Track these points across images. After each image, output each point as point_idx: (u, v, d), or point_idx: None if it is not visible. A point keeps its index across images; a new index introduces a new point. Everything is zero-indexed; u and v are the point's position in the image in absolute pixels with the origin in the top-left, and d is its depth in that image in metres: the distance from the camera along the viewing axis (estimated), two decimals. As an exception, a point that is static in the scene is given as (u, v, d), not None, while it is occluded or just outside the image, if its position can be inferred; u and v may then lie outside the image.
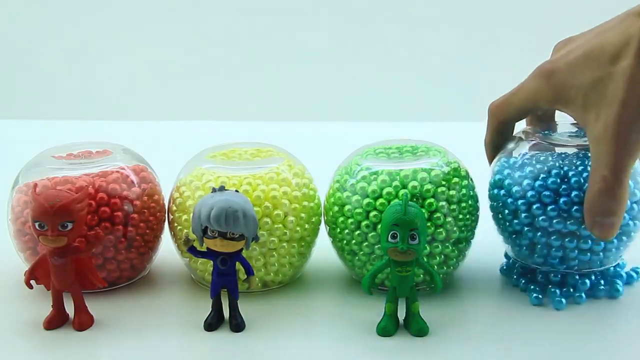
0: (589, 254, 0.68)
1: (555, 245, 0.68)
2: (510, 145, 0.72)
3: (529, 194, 0.68)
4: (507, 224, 0.70)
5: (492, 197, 0.72)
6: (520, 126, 0.73)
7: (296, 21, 1.73)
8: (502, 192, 0.70)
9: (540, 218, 0.67)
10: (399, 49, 1.71)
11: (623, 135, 0.61)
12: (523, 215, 0.68)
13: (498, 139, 0.73)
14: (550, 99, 0.66)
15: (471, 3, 1.71)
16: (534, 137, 0.71)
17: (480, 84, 1.66)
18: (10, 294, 0.72)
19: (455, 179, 0.70)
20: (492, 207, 0.72)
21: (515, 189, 0.69)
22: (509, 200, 0.69)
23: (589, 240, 0.67)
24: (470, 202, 0.71)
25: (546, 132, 0.71)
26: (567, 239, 0.67)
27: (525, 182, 0.68)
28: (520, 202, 0.68)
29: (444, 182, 0.69)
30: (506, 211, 0.70)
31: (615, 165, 0.62)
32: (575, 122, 0.69)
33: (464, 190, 0.70)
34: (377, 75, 1.70)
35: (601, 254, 0.68)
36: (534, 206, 0.67)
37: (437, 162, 0.71)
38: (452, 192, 0.69)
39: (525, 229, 0.69)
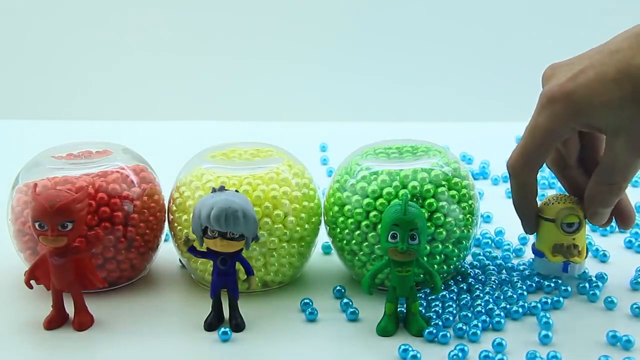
0: None
1: None
2: None
3: None
4: None
5: None
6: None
7: (296, 21, 1.72)
8: None
9: None
10: (399, 49, 1.71)
11: None
12: None
13: (528, 196, 0.70)
14: (572, 118, 0.65)
15: (471, 4, 1.71)
16: None
17: (481, 84, 1.66)
18: (10, 294, 0.72)
19: (456, 179, 0.70)
20: None
21: None
22: None
23: None
24: (470, 201, 0.71)
25: None
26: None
27: None
28: None
29: (444, 182, 0.69)
30: None
31: (630, 175, 0.66)
32: None
33: (464, 190, 0.70)
34: (377, 75, 1.69)
35: None
36: None
37: (437, 162, 0.71)
38: (452, 192, 0.69)
39: None
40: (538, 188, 0.70)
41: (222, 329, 0.65)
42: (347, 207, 0.70)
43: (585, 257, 0.72)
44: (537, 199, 0.71)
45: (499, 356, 0.61)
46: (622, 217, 0.71)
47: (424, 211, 0.67)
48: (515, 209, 0.71)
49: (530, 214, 0.71)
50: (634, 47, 0.63)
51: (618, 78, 0.63)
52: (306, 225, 0.71)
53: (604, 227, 0.77)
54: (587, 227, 0.73)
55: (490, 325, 0.66)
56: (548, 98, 0.66)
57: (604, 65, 0.64)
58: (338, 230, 0.71)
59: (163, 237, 0.75)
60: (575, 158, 0.72)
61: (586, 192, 0.69)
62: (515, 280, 0.72)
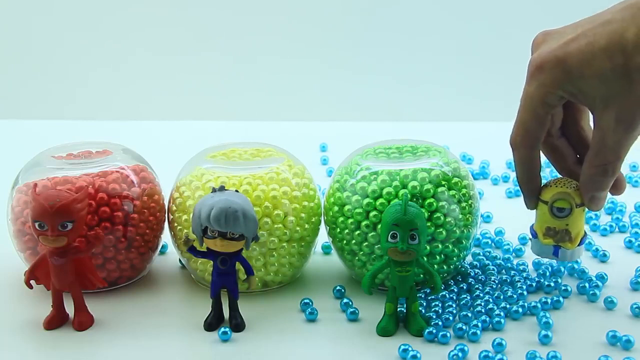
0: None
1: None
2: None
3: None
4: None
5: None
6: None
7: (296, 21, 1.73)
8: None
9: None
10: (399, 49, 1.71)
11: (636, 126, 0.63)
12: None
13: (530, 170, 0.68)
14: (561, 86, 0.63)
15: (471, 4, 1.71)
16: None
17: (481, 84, 1.66)
18: (10, 294, 0.72)
19: (456, 179, 0.70)
20: None
21: None
22: None
23: None
24: (470, 201, 0.71)
25: None
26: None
27: None
28: None
29: (444, 182, 0.69)
30: None
31: (622, 152, 0.64)
32: None
33: (464, 190, 0.70)
34: (377, 75, 1.69)
35: None
36: None
37: (437, 162, 0.71)
38: (452, 192, 0.69)
39: None
40: (541, 165, 0.68)
41: (222, 329, 0.65)
42: (347, 207, 0.70)
43: (581, 244, 0.69)
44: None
45: (499, 356, 0.61)
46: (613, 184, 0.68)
47: (424, 211, 0.67)
48: (518, 184, 0.69)
49: (532, 191, 0.69)
50: (627, 19, 0.62)
51: (609, 49, 0.62)
52: (306, 225, 0.71)
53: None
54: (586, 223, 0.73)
55: (490, 325, 0.66)
56: (536, 66, 0.64)
57: (596, 35, 0.62)
58: (338, 230, 0.71)
59: (162, 241, 0.75)
60: (557, 127, 0.70)
61: (581, 178, 0.67)
62: (515, 280, 0.72)
